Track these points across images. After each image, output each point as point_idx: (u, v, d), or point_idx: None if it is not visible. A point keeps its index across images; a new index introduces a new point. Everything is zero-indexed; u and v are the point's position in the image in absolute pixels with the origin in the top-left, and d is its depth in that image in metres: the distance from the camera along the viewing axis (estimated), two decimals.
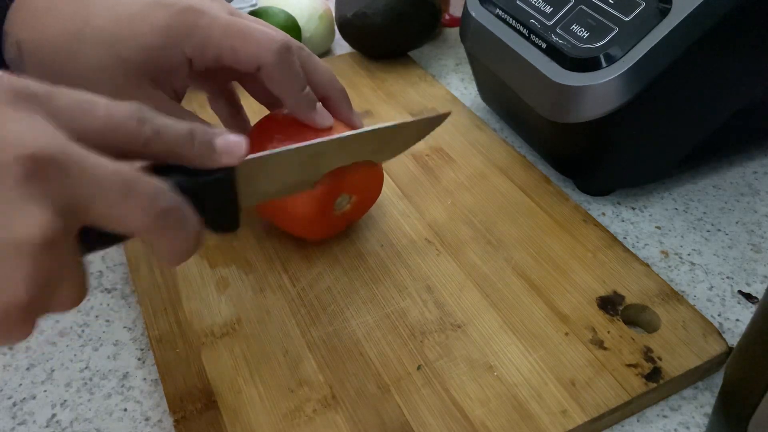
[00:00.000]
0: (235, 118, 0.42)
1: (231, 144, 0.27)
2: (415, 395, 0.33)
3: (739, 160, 0.52)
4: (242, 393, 0.34)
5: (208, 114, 0.42)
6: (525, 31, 0.44)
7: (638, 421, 0.34)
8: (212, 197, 0.27)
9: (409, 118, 0.38)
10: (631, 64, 0.38)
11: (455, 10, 0.70)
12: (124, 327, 0.39)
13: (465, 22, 0.51)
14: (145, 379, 0.36)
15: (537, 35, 0.43)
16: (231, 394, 0.34)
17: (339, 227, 0.42)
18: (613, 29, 0.40)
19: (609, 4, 0.41)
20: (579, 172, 0.48)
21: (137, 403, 0.35)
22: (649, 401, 0.34)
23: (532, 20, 0.44)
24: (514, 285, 0.39)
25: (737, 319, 0.39)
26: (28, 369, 0.37)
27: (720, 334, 0.36)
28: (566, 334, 0.36)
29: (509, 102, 0.51)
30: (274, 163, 0.31)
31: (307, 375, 0.34)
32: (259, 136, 0.39)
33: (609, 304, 0.38)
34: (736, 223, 0.46)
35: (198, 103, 0.54)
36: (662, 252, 0.44)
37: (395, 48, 0.62)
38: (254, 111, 0.42)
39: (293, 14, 0.61)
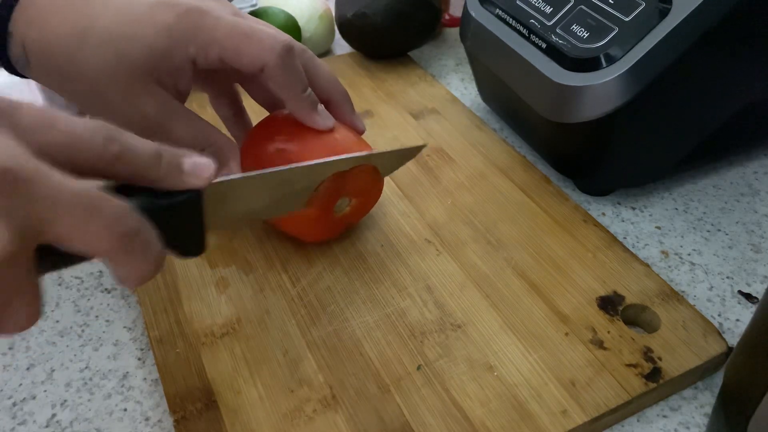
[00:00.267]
0: (236, 119, 0.42)
1: (199, 166, 0.26)
2: (415, 395, 0.33)
3: (739, 160, 0.52)
4: (242, 393, 0.34)
5: (209, 114, 0.42)
6: (525, 31, 0.44)
7: (638, 421, 0.34)
8: (177, 220, 0.26)
9: (385, 149, 0.38)
10: (631, 65, 0.38)
11: (455, 10, 0.70)
12: (124, 327, 0.39)
13: (465, 22, 0.51)
14: (145, 379, 0.36)
15: (537, 35, 0.43)
16: (231, 394, 0.34)
17: (338, 229, 0.42)
18: (613, 29, 0.40)
19: (609, 4, 0.41)
20: (579, 172, 0.48)
21: (137, 403, 0.35)
22: (649, 401, 0.34)
23: (532, 20, 0.44)
24: (514, 285, 0.39)
25: (737, 319, 0.39)
26: (28, 369, 0.37)
27: (720, 334, 0.36)
28: (566, 334, 0.36)
29: (509, 102, 0.51)
30: (242, 187, 0.30)
31: (307, 375, 0.34)
32: (260, 136, 0.39)
33: (609, 304, 0.38)
34: (736, 223, 0.46)
35: (198, 103, 0.54)
36: (662, 252, 0.44)
37: (395, 48, 0.62)
38: (255, 111, 0.42)
39: (293, 14, 0.61)
